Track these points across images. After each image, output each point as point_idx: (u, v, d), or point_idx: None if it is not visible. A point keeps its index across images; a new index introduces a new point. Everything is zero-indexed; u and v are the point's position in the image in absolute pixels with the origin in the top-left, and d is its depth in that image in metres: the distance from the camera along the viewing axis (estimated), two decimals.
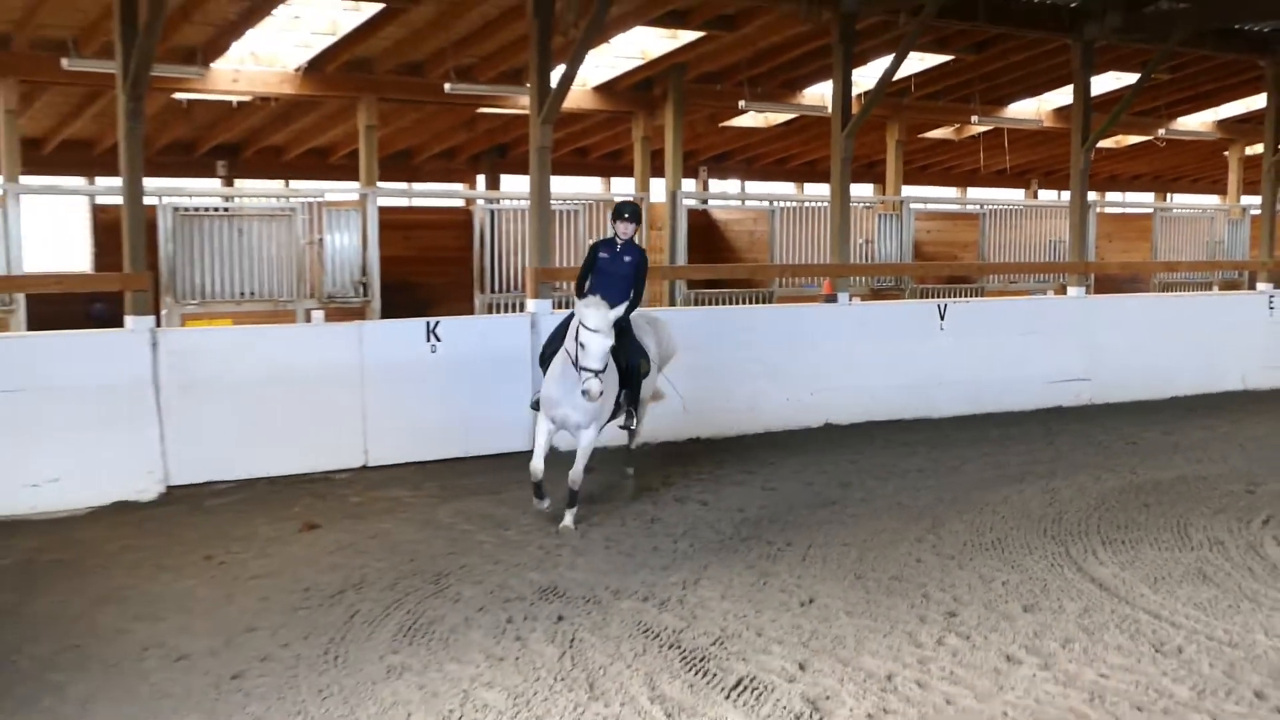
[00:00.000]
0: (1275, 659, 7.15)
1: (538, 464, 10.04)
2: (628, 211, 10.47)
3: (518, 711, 6.33)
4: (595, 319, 9.24)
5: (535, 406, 10.54)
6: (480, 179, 26.01)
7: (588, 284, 10.36)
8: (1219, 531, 10.02)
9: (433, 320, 12.73)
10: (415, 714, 6.29)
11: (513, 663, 6.97)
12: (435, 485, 11.44)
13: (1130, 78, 20.78)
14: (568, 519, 9.92)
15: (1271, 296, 19.39)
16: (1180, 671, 6.94)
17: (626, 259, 10.37)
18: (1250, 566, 9.06)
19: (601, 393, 9.35)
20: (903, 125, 23.87)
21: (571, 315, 9.96)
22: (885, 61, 16.72)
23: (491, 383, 12.73)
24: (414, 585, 8.44)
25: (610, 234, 10.68)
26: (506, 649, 7.18)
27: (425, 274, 18.08)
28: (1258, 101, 22.89)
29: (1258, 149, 23.74)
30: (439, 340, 12.58)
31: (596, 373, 9.16)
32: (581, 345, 9.26)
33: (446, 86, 18.19)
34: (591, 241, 10.99)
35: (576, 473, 9.97)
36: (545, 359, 10.44)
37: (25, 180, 16.28)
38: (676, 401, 11.62)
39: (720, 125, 24.19)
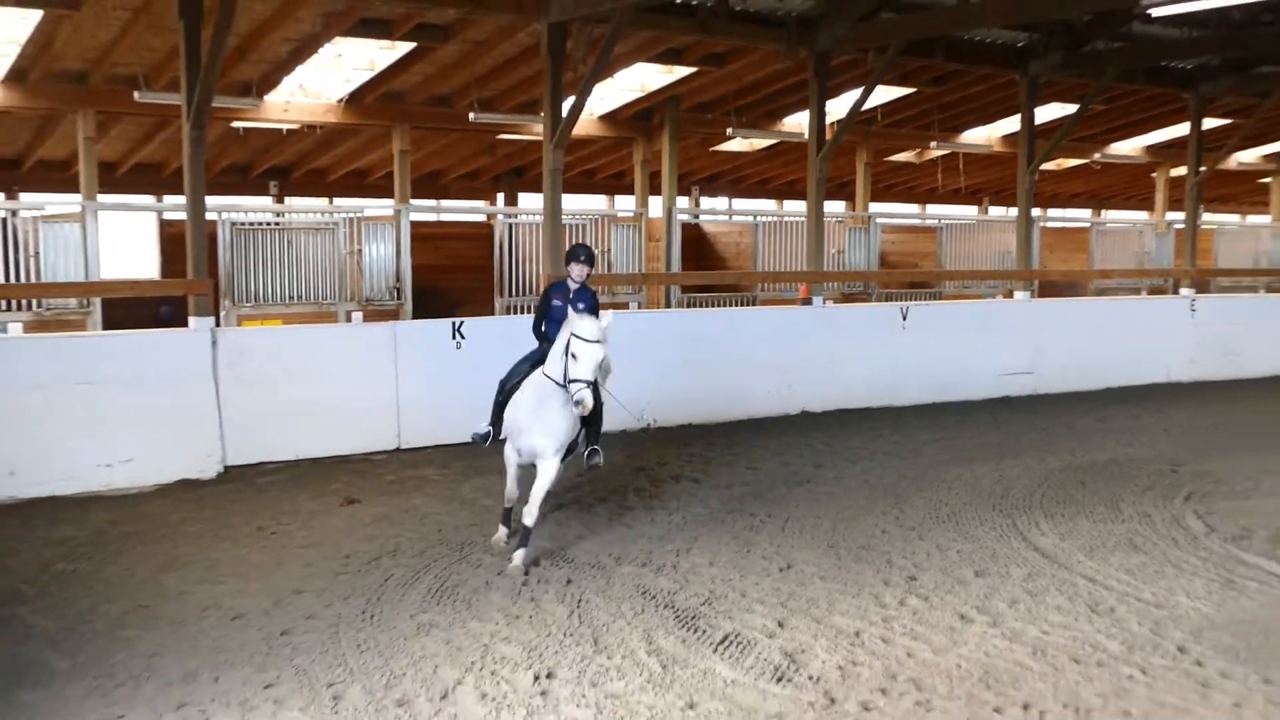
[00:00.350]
0: (1196, 618, 7.16)
1: (513, 490, 8.77)
2: (584, 255, 8.87)
3: (531, 663, 6.34)
4: (590, 328, 7.93)
5: (481, 440, 9.14)
6: (500, 197, 25.99)
7: (543, 328, 8.88)
8: (1146, 506, 10.04)
9: (458, 320, 12.72)
10: (441, 665, 6.30)
11: (527, 620, 7.00)
12: (460, 465, 11.43)
13: (1070, 108, 20.78)
14: (517, 559, 8.08)
15: (1193, 301, 19.40)
16: (1112, 629, 6.95)
17: (580, 305, 8.53)
18: (1174, 537, 9.07)
19: (591, 406, 8.03)
20: (870, 150, 23.85)
21: (531, 355, 8.80)
22: (855, 94, 16.71)
23: (503, 365, 12.72)
24: (441, 553, 8.47)
25: (564, 275, 9.01)
26: (522, 608, 7.21)
27: (451, 280, 18.08)
28: (1182, 129, 22.86)
29: (1181, 171, 23.76)
30: (463, 338, 12.58)
31: (588, 383, 7.91)
32: (573, 356, 7.90)
33: (470, 116, 18.20)
34: (547, 288, 9.25)
35: (532, 509, 8.23)
36: (503, 396, 8.86)
37: (102, 198, 16.27)
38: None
39: (710, 149, 24.17)
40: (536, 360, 8.59)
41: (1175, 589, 7.73)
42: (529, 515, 8.22)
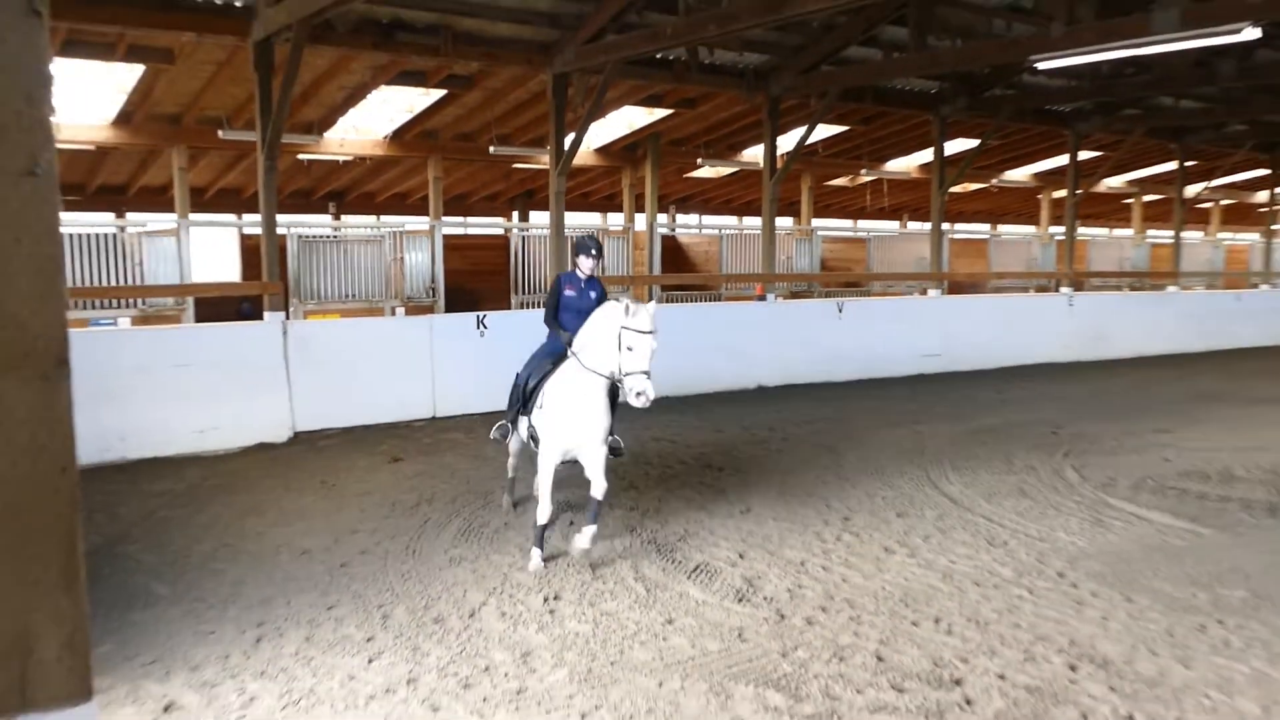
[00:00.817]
0: (1072, 550, 7.20)
1: (547, 508, 6.87)
2: (593, 247, 7.43)
3: (541, 588, 6.36)
4: (646, 321, 6.53)
5: (503, 437, 7.74)
6: (514, 214, 25.92)
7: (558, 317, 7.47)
8: (1033, 461, 10.09)
9: (481, 314, 12.72)
10: (469, 590, 6.31)
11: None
12: (483, 430, 11.29)
13: (972, 142, 20.81)
14: (586, 539, 6.73)
15: (1070, 297, 19.46)
16: (1005, 558, 6.99)
17: (592, 294, 7.36)
18: (1055, 485, 9.11)
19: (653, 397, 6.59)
20: (813, 176, 23.86)
21: (544, 350, 7.37)
22: (800, 131, 16.70)
23: (523, 357, 12.69)
24: (468, 500, 8.47)
25: (571, 268, 7.56)
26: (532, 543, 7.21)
27: (476, 282, 18.01)
28: (1061, 160, 22.91)
29: (1061, 193, 23.83)
30: (485, 328, 12.56)
31: (648, 373, 6.55)
32: (629, 349, 6.49)
33: (490, 149, 18.21)
34: (556, 277, 7.60)
35: (602, 484, 6.89)
36: (522, 395, 7.29)
37: (193, 217, 16.18)
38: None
39: (684, 175, 24.15)
40: (551, 354, 7.20)
41: (1055, 526, 7.78)
42: (602, 490, 6.87)
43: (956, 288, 20.57)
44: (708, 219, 29.44)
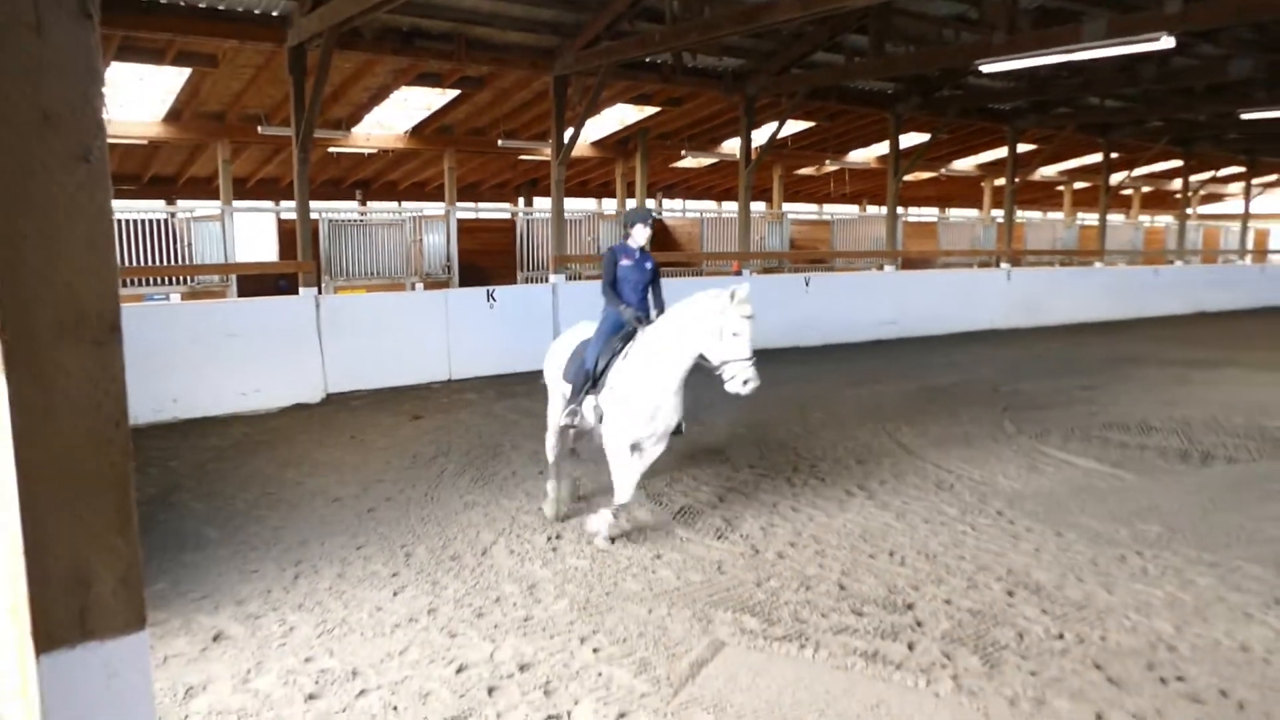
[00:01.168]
0: (1009, 491, 7.22)
1: (629, 492, 6.06)
2: (649, 217, 6.39)
3: (545, 528, 6.35)
4: (749, 305, 5.64)
5: (571, 419, 6.31)
6: (520, 200, 25.74)
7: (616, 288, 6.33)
8: (976, 415, 10.10)
9: (491, 288, 12.64)
10: (482, 531, 6.30)
11: (542, 500, 6.98)
12: (493, 391, 11.40)
13: (924, 137, 20.69)
14: (603, 523, 6.01)
15: (1009, 272, 19.44)
16: (951, 499, 7.01)
17: (648, 265, 6.35)
18: (995, 436, 9.13)
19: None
20: (784, 166, 23.72)
21: (608, 328, 6.18)
22: (773, 126, 16.58)
23: (527, 327, 12.67)
24: (480, 453, 8.44)
25: (624, 238, 6.44)
26: (539, 491, 7.19)
27: (486, 260, 17.90)
28: (1002, 152, 22.76)
29: (1001, 181, 23.69)
30: (495, 300, 12.49)
31: (753, 360, 5.64)
32: (734, 335, 5.57)
33: (499, 142, 18.02)
34: (608, 249, 6.34)
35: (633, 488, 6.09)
36: (590, 379, 6.12)
37: (236, 204, 16.03)
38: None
39: (670, 166, 23.97)
40: (616, 330, 6.13)
41: (995, 471, 7.80)
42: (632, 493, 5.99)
43: (910, 264, 20.51)
44: (691, 204, 29.30)
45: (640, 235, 6.35)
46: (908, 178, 22.02)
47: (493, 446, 8.65)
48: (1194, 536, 6.22)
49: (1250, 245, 29.50)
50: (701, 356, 5.73)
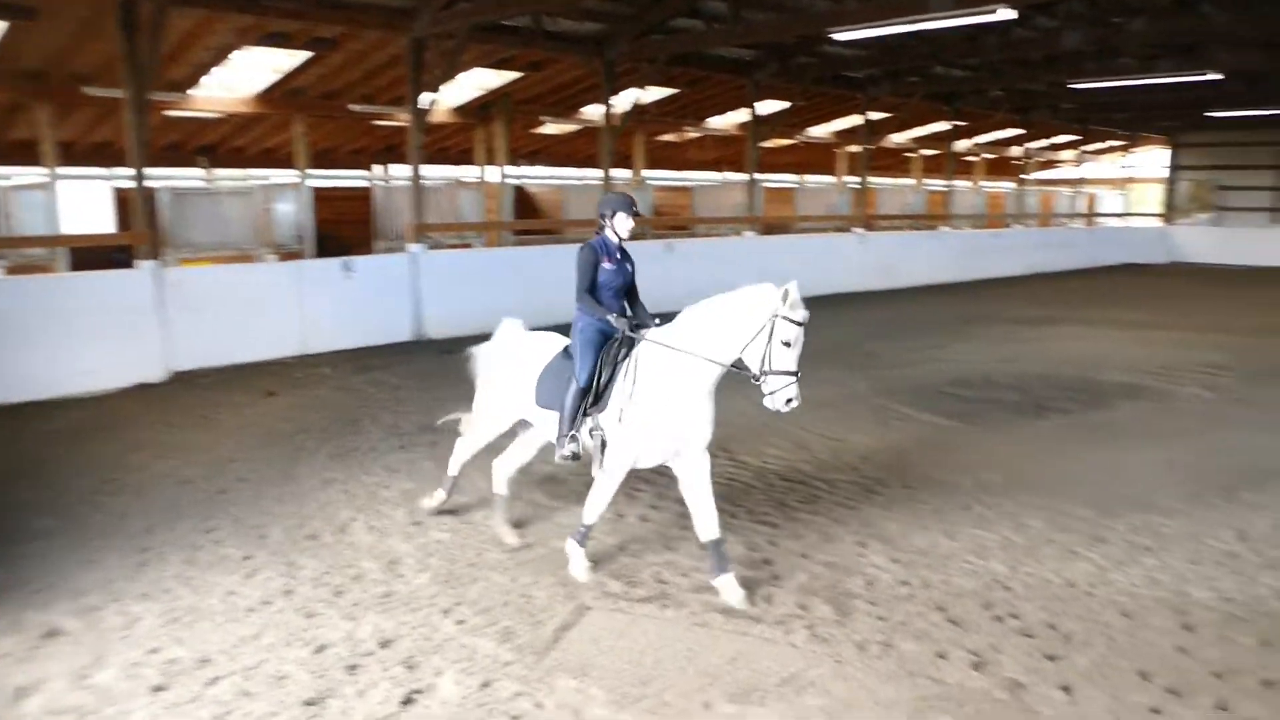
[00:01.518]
0: (862, 448, 7.50)
1: (600, 513, 5.16)
2: (633, 206, 5.36)
3: (407, 503, 6.24)
4: (803, 309, 4.82)
5: (574, 458, 5.19)
6: (377, 168, 24.97)
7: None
8: (832, 376, 10.38)
9: (346, 259, 12.25)
10: (340, 508, 6.14)
11: (404, 473, 6.87)
12: (351, 364, 11.06)
13: (782, 104, 21.14)
14: (731, 585, 4.80)
15: (862, 237, 20.13)
16: (809, 458, 7.23)
17: (629, 267, 5.45)
18: (849, 396, 9.43)
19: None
20: (645, 132, 23.73)
21: (593, 336, 5.18)
22: (634, 92, 16.59)
23: (385, 298, 12.36)
24: (338, 428, 8.18)
25: (598, 234, 5.33)
26: (400, 465, 7.07)
27: (342, 229, 17.31)
28: (856, 120, 23.40)
29: (856, 148, 24.43)
30: (352, 271, 12.10)
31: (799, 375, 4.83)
32: (785, 344, 4.74)
33: (353, 107, 17.43)
34: (583, 245, 5.28)
35: (713, 515, 4.96)
36: (595, 392, 5.09)
37: (64, 171, 14.97)
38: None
39: (531, 132, 23.66)
40: (604, 341, 5.19)
41: (849, 429, 8.10)
42: (715, 528, 4.92)
43: (769, 229, 20.95)
44: (555, 171, 29.05)
45: (623, 227, 5.29)
46: (767, 144, 22.45)
47: (351, 421, 8.41)
48: (1029, 483, 6.64)
49: (1082, 209, 31.46)
50: (738, 361, 4.91)
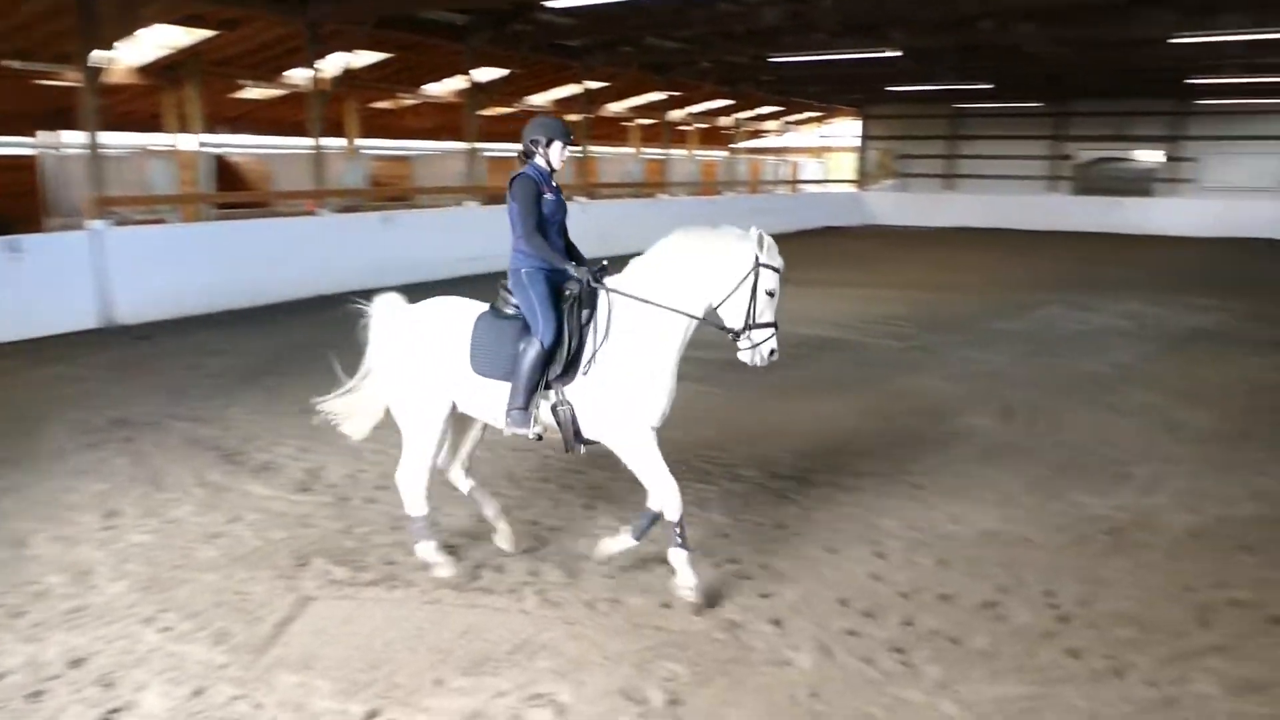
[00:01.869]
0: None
1: (676, 499, 4.48)
2: (570, 134, 4.76)
3: (99, 506, 5.67)
4: (779, 256, 4.45)
5: (539, 437, 4.65)
6: (44, 134, 22.22)
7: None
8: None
9: (12, 238, 10.83)
10: (19, 521, 5.46)
11: (94, 474, 6.22)
12: (25, 356, 9.83)
13: (502, 71, 21.04)
14: (688, 578, 4.43)
15: (582, 206, 20.51)
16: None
17: (563, 200, 4.86)
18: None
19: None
20: (358, 98, 22.77)
21: (542, 291, 4.55)
22: (344, 55, 15.85)
23: (63, 280, 11.08)
24: (12, 430, 7.23)
25: (525, 162, 4.70)
26: (89, 466, 6.39)
27: (5, 206, 15.31)
28: (576, 88, 23.71)
29: (575, 117, 24.78)
30: (19, 252, 10.73)
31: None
32: (768, 294, 4.39)
33: (8, 63, 15.35)
34: (516, 174, 4.64)
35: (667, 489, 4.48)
36: (566, 358, 4.45)
37: None
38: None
39: (230, 97, 22.00)
40: (557, 291, 4.59)
41: None
42: (673, 506, 4.46)
43: (495, 200, 20.87)
44: (260, 140, 27.22)
45: (556, 156, 4.64)
46: (488, 113, 22.26)
47: (30, 420, 7.48)
48: (743, 436, 7.11)
49: (786, 176, 33.86)
50: (709, 314, 4.44)
